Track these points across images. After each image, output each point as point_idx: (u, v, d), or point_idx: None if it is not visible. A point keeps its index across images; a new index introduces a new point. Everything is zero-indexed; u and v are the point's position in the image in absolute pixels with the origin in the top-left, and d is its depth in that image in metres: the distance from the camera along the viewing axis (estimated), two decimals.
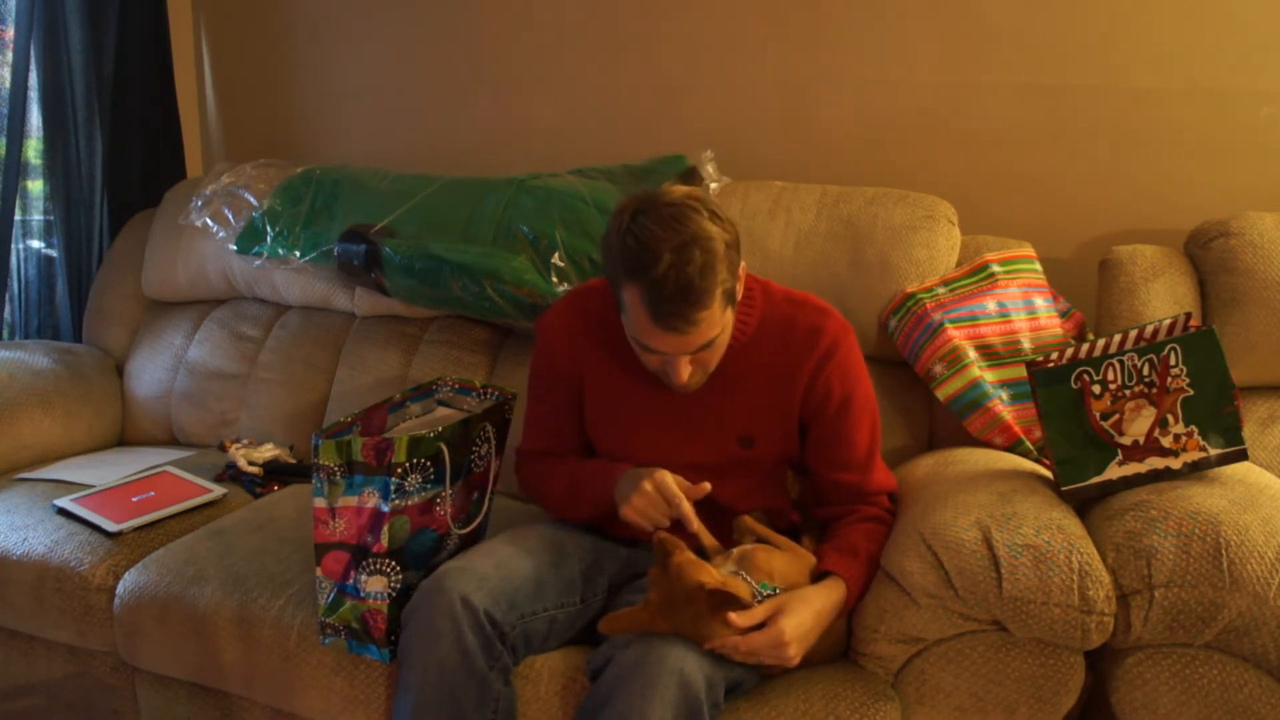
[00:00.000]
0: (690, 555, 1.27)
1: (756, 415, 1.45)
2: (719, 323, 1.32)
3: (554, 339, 1.52)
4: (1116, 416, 1.33)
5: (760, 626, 1.26)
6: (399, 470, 1.37)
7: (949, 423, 1.74)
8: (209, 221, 2.25)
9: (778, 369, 1.43)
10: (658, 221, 1.27)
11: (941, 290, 1.76)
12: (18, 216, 2.34)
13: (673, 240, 1.25)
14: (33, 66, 2.31)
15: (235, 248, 2.22)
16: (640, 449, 1.48)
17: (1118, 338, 1.37)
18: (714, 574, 1.27)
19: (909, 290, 1.77)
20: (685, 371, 1.35)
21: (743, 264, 1.35)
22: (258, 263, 2.22)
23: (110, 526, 1.74)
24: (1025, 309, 1.75)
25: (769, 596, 1.29)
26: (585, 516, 1.51)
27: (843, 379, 1.43)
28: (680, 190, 1.32)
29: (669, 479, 1.36)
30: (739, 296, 1.37)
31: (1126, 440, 1.32)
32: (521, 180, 2.02)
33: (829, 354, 1.42)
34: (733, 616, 1.23)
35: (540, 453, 1.58)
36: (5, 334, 2.42)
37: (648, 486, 1.35)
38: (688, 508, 1.34)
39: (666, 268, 1.24)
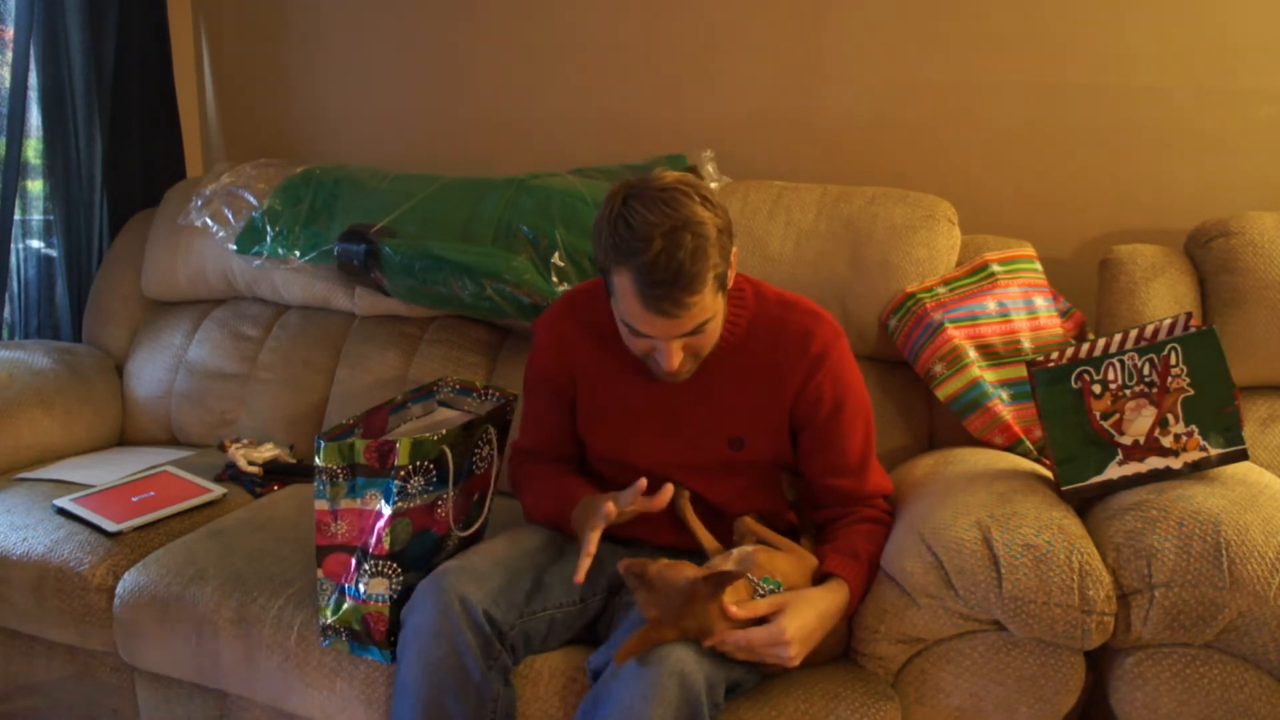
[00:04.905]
0: (663, 560, 1.27)
1: (746, 417, 1.45)
2: (710, 307, 1.31)
3: (547, 340, 1.53)
4: (1117, 416, 1.33)
5: (763, 621, 1.25)
6: (402, 472, 1.37)
7: (949, 423, 1.74)
8: (209, 221, 2.25)
9: (768, 370, 1.43)
10: (648, 206, 1.26)
11: (941, 290, 1.76)
12: (18, 216, 2.33)
13: (664, 224, 1.24)
14: (33, 66, 2.31)
15: (235, 248, 2.22)
16: (630, 450, 1.48)
17: (1118, 337, 1.37)
18: (694, 566, 1.27)
19: (909, 290, 1.77)
20: (676, 358, 1.34)
21: (734, 250, 1.35)
22: (258, 263, 2.21)
23: (110, 526, 1.74)
24: (1025, 309, 1.75)
25: (772, 592, 1.29)
26: (547, 525, 1.52)
27: (834, 384, 1.42)
28: (672, 175, 1.31)
29: (623, 493, 1.37)
30: (730, 282, 1.37)
31: (1127, 440, 1.32)
32: (521, 180, 2.02)
33: (820, 359, 1.41)
34: (734, 608, 1.23)
35: (531, 451, 1.59)
36: (5, 334, 2.42)
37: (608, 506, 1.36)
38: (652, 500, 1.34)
39: (657, 252, 1.23)
